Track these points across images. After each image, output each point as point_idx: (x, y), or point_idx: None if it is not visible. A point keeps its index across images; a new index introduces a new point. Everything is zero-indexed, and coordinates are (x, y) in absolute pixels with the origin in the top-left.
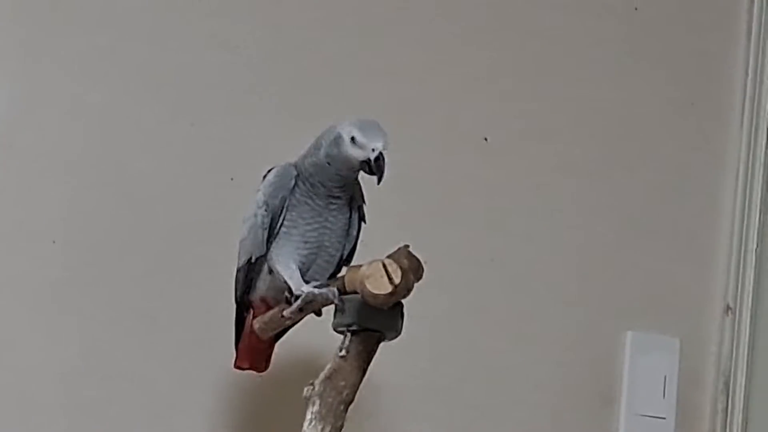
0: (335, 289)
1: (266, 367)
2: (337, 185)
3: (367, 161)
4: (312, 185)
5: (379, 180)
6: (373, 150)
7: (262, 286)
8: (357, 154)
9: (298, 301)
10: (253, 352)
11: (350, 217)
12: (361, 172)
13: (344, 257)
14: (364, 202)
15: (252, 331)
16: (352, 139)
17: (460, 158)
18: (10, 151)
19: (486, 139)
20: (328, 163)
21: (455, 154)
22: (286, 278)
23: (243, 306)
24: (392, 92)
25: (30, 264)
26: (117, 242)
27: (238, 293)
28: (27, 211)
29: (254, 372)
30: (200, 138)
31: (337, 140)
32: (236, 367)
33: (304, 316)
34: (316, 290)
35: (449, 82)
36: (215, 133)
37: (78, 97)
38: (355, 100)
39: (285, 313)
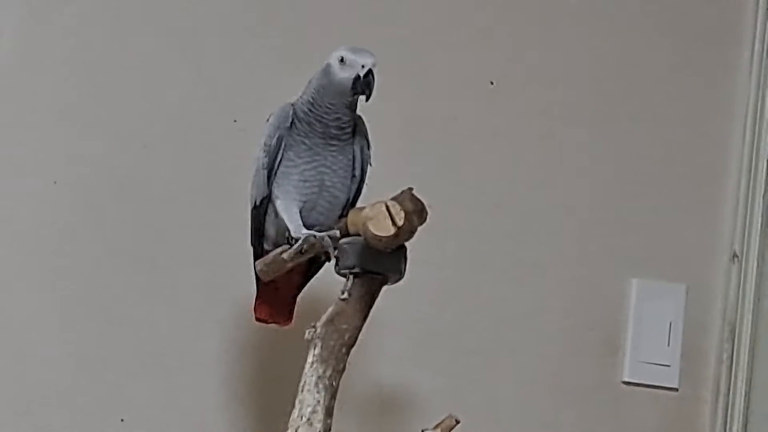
0: (337, 232)
1: (289, 320)
2: (333, 120)
3: (357, 77)
4: (308, 123)
5: (368, 97)
6: (363, 66)
7: (272, 231)
8: (347, 73)
9: (296, 245)
10: (273, 303)
11: (353, 158)
12: (359, 103)
13: (350, 200)
14: (369, 144)
15: (270, 282)
16: (341, 60)
17: (466, 102)
18: (13, 92)
19: (492, 83)
20: (320, 96)
21: (461, 97)
22: (285, 221)
23: (258, 256)
24: (397, 35)
25: (31, 205)
26: (119, 184)
27: (252, 239)
28: (28, 152)
29: (277, 326)
30: (203, 80)
31: (326, 70)
32: (257, 319)
33: (306, 258)
34: (317, 234)
35: (455, 25)
36: (218, 75)
37: (79, 40)
38: (359, 43)
39: (285, 255)
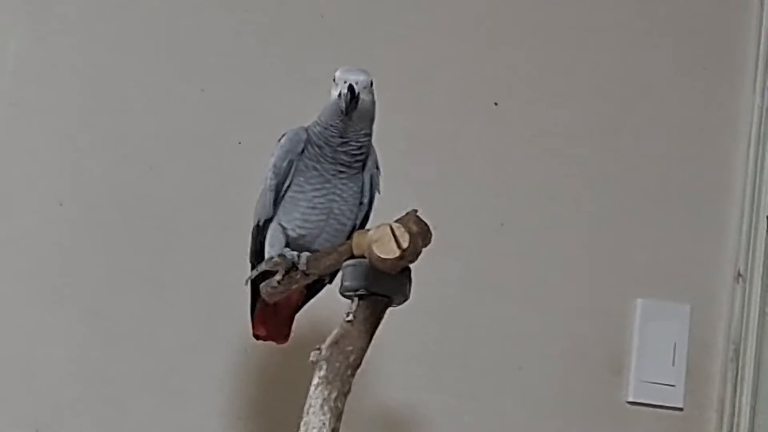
0: (307, 254)
1: (286, 338)
2: (340, 144)
3: (339, 94)
4: (319, 147)
5: (346, 112)
6: (345, 82)
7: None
8: (335, 93)
9: (262, 264)
10: (270, 321)
11: (362, 185)
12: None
13: (356, 226)
14: (379, 171)
15: (266, 300)
16: (334, 80)
17: (470, 123)
18: (18, 113)
19: (496, 104)
20: (323, 118)
21: (465, 118)
22: (266, 244)
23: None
24: (403, 56)
25: (37, 226)
26: (124, 205)
27: (251, 258)
28: (34, 173)
29: (274, 343)
30: (208, 101)
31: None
32: (254, 336)
33: (307, 281)
34: (287, 254)
35: (460, 46)
36: (223, 97)
37: (87, 61)
38: (365, 64)
39: (251, 276)
